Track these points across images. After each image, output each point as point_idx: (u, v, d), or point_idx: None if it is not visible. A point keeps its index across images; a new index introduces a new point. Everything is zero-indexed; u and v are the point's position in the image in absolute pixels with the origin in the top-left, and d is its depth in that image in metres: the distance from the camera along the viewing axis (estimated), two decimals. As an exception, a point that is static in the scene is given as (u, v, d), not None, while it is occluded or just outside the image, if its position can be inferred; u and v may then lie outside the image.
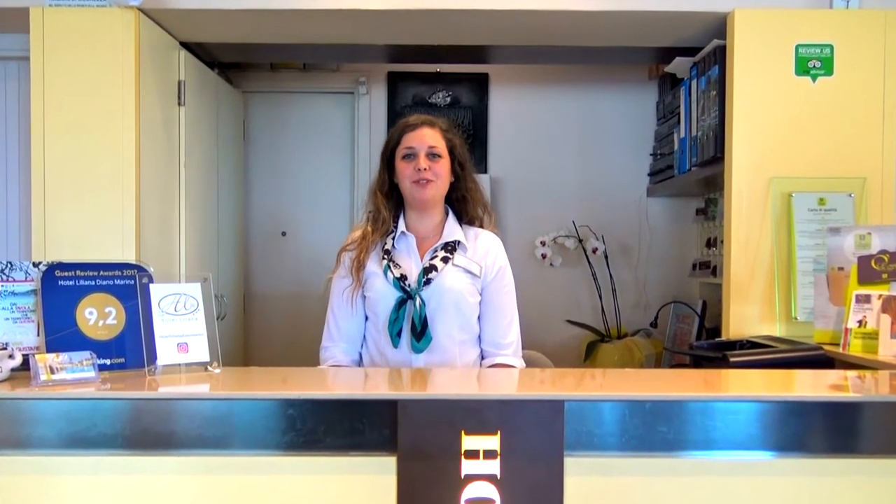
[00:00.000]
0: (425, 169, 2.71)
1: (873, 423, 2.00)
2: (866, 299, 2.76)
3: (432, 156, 2.74)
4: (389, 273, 2.71)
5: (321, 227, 5.14)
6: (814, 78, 3.46)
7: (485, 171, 5.06)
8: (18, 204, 4.02)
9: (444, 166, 2.76)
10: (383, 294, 2.72)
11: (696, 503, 1.98)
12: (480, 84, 5.17)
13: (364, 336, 2.82)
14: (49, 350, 2.10)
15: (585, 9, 3.54)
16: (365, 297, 2.77)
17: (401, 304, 2.69)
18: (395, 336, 2.69)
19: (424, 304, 2.69)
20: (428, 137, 2.76)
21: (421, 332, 2.68)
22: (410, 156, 2.74)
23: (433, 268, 2.72)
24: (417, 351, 2.69)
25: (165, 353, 2.16)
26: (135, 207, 3.49)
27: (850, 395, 2.10)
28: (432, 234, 2.82)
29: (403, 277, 2.71)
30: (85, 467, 1.96)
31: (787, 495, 1.98)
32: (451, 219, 2.84)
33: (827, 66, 3.45)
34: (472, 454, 1.91)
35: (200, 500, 1.98)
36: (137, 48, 3.51)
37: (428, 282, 2.70)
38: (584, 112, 5.13)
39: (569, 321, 5.06)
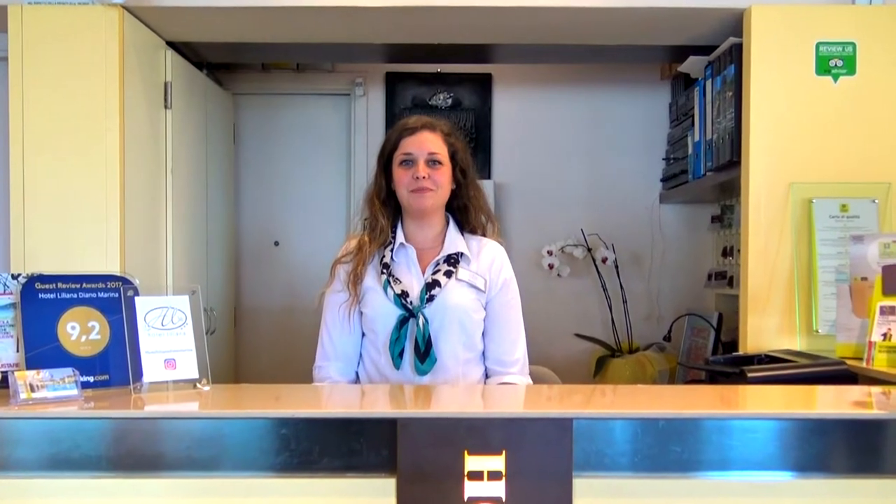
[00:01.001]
0: (424, 177, 2.67)
1: (899, 442, 2.01)
2: (891, 311, 2.76)
3: (432, 162, 2.70)
4: (390, 289, 2.68)
5: (316, 236, 5.15)
6: (835, 77, 3.46)
7: (488, 176, 5.07)
8: (-5, 212, 4.02)
9: (444, 174, 2.72)
10: (383, 312, 2.70)
11: (712, 527, 1.99)
12: (483, 85, 5.18)
13: (360, 355, 2.80)
14: (29, 367, 2.11)
15: (594, 5, 3.55)
16: (361, 313, 2.75)
17: (402, 322, 2.67)
18: (397, 357, 2.67)
19: (428, 323, 2.67)
20: (428, 143, 2.72)
21: (425, 353, 2.66)
22: (408, 162, 2.70)
23: (436, 283, 2.69)
24: (422, 373, 2.66)
25: (152, 369, 2.17)
26: (119, 216, 3.49)
27: (874, 413, 2.11)
28: (432, 244, 2.79)
29: (405, 294, 2.68)
30: (67, 490, 1.96)
31: (809, 518, 1.98)
32: (453, 228, 2.81)
33: (849, 65, 3.46)
34: (476, 475, 1.92)
35: (189, 524, 1.98)
36: (122, 48, 3.52)
37: (431, 298, 2.67)
38: (593, 114, 5.14)
39: (577, 335, 5.06)
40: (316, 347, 2.83)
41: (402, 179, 2.72)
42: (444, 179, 2.72)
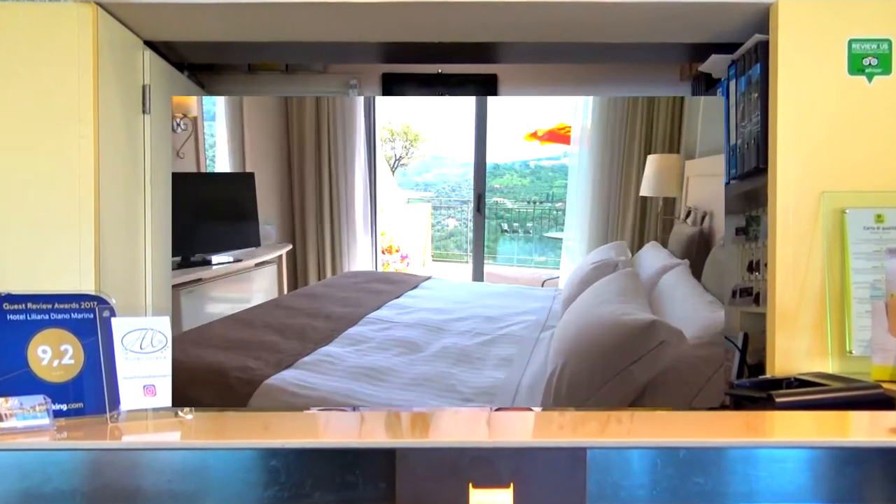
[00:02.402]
0: None
1: (940, 472, 2.01)
2: (931, 330, 2.77)
3: None
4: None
5: (306, 251, 5.17)
6: (870, 77, 3.48)
7: (493, 185, 5.09)
8: (-40, 227, 4.03)
9: None
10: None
11: (738, 565, 1.99)
12: (488, 87, 5.20)
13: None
14: (-3, 394, 2.12)
15: None
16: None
17: None
18: None
19: None
20: None
21: None
22: None
23: None
24: None
25: (130, 396, 2.17)
26: (94, 230, 3.49)
27: (913, 440, 2.11)
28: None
29: None
30: (38, 528, 1.97)
31: (843, 555, 1.99)
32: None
33: (884, 64, 3.47)
34: (482, 510, 1.92)
35: (170, 564, 1.99)
36: (96, 48, 3.53)
37: None
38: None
39: (591, 357, 5.06)
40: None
41: None
42: None
